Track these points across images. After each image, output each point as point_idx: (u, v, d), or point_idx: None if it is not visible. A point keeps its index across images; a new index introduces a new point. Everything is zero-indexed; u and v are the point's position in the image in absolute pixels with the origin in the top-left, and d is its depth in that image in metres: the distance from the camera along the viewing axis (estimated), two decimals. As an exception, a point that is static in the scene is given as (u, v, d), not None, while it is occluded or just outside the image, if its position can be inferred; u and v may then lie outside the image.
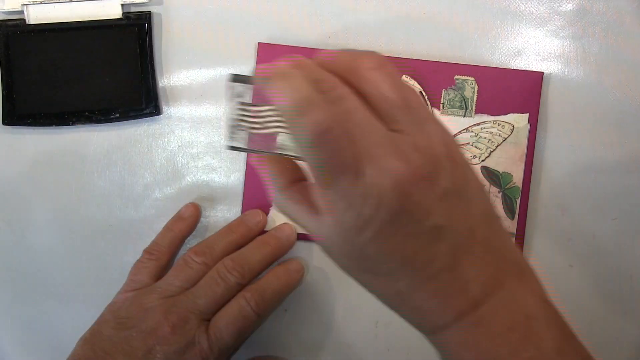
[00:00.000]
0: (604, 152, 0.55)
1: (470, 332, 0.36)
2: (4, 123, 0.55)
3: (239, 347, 0.51)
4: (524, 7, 0.54)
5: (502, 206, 0.54)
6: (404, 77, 0.53)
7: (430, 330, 0.37)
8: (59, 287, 0.57)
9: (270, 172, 0.40)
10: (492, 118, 0.53)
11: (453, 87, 0.54)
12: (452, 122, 0.54)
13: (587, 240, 0.55)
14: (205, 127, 0.56)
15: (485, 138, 0.53)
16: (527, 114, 0.53)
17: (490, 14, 0.54)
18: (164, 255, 0.53)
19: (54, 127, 0.55)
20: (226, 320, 0.49)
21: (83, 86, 0.54)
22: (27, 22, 0.54)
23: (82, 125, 0.55)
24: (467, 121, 0.54)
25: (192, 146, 0.56)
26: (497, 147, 0.53)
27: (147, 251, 0.54)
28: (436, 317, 0.36)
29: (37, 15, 0.54)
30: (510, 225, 0.54)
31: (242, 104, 0.41)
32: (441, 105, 0.54)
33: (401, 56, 0.54)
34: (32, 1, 0.54)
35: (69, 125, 0.55)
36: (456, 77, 0.54)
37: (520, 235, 0.54)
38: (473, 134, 0.54)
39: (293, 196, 0.39)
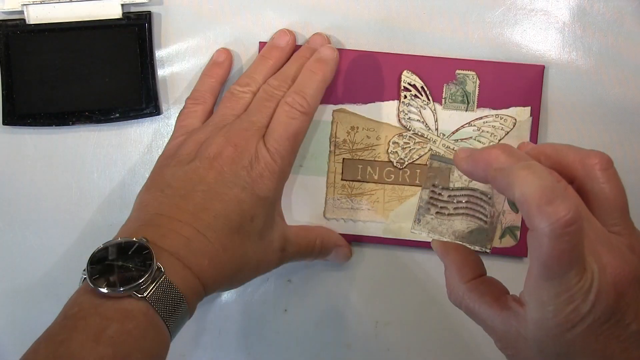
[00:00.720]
0: (604, 152, 0.55)
1: None
2: (4, 123, 0.55)
3: (297, 152, 0.51)
4: (524, 6, 0.54)
5: (506, 200, 0.54)
6: (405, 71, 0.54)
7: None
8: (59, 287, 0.57)
9: (455, 260, 0.41)
10: (494, 112, 0.53)
11: (454, 81, 0.54)
12: (455, 117, 0.54)
13: (587, 240, 0.55)
14: (205, 127, 0.56)
15: (487, 132, 0.53)
16: (530, 107, 0.53)
17: (491, 14, 0.54)
18: (208, 99, 0.53)
19: (53, 127, 0.55)
20: (278, 129, 0.49)
21: (83, 86, 0.54)
22: (27, 22, 0.54)
23: (82, 125, 0.55)
24: (469, 115, 0.54)
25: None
26: (499, 140, 0.53)
27: (190, 98, 0.53)
28: None
29: (37, 15, 0.54)
30: (515, 219, 0.54)
31: (435, 186, 0.43)
32: (443, 100, 0.54)
33: (402, 52, 0.54)
34: (32, 1, 0.54)
35: (68, 125, 0.55)
36: (457, 71, 0.54)
37: (526, 228, 0.54)
38: (475, 128, 0.54)
39: (478, 288, 0.40)
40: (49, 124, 0.55)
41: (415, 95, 0.54)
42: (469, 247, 0.42)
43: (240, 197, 0.47)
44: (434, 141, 0.54)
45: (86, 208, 0.56)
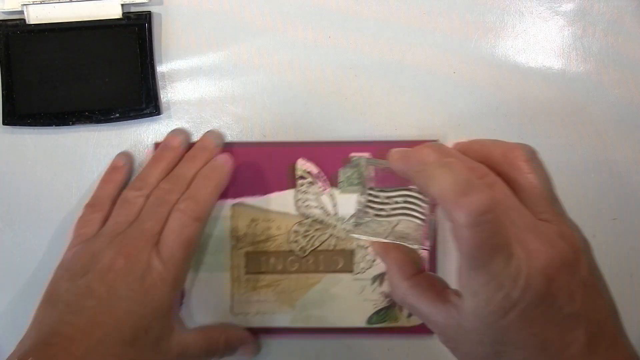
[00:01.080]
0: (604, 152, 0.55)
1: None
2: (4, 123, 0.55)
3: (191, 259, 0.51)
4: (524, 7, 0.54)
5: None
6: (299, 160, 0.54)
7: None
8: (59, 287, 0.57)
9: (396, 259, 0.42)
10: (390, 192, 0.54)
11: (349, 165, 0.54)
12: (353, 200, 0.54)
13: (587, 240, 0.55)
14: (205, 127, 0.56)
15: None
16: None
17: (490, 14, 0.54)
18: (106, 206, 0.53)
19: (53, 127, 0.55)
20: (171, 237, 0.49)
21: (83, 86, 0.54)
22: (27, 22, 0.54)
23: (82, 125, 0.55)
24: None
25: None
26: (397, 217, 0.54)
27: (88, 205, 0.53)
28: None
29: (37, 15, 0.54)
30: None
31: (371, 189, 0.44)
32: (340, 184, 0.54)
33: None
34: (32, 1, 0.54)
35: (68, 125, 0.55)
36: (352, 154, 0.54)
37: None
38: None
39: (419, 284, 0.41)
40: (49, 124, 0.55)
41: (312, 183, 0.54)
42: (409, 246, 0.43)
43: (133, 310, 0.47)
44: (334, 226, 0.54)
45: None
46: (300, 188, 0.54)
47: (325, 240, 0.55)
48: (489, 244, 0.35)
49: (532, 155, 0.40)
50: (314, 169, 0.54)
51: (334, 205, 0.54)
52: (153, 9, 0.55)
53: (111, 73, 0.54)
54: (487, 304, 0.36)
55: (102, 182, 0.54)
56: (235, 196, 0.55)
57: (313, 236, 0.55)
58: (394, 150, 0.41)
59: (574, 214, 0.55)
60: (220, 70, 0.55)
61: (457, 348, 0.40)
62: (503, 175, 0.39)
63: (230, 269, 0.55)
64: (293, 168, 0.54)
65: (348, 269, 0.55)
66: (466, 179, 0.35)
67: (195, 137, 0.56)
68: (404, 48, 0.55)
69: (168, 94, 0.56)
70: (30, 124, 0.55)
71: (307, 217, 0.55)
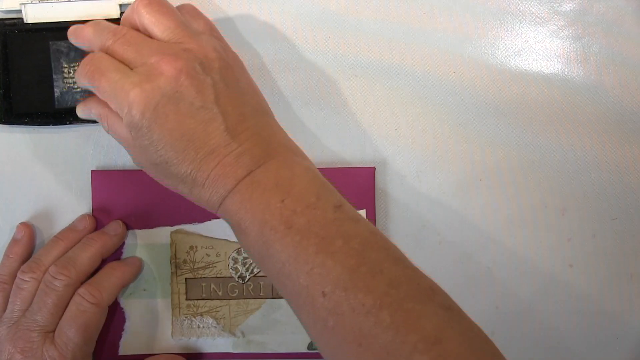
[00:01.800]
0: (604, 152, 0.55)
1: (246, 192, 0.43)
2: (2, 122, 0.54)
3: (94, 342, 0.52)
4: (524, 7, 0.54)
5: None
6: None
7: (217, 203, 0.44)
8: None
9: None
10: None
11: None
12: None
13: (587, 240, 0.55)
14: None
15: None
16: (364, 210, 0.54)
17: (490, 14, 0.54)
18: (7, 285, 0.53)
19: (51, 126, 0.55)
20: (67, 322, 0.50)
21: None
22: (25, 21, 0.54)
23: (79, 125, 0.55)
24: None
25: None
26: None
27: None
28: (220, 188, 0.43)
29: (35, 14, 0.54)
30: None
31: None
32: None
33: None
34: (30, 0, 0.53)
35: (66, 124, 0.54)
36: None
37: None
38: None
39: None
40: (46, 123, 0.54)
41: None
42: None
43: None
44: None
45: (86, 208, 0.56)
46: None
47: None
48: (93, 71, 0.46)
49: (148, 1, 0.46)
50: None
51: None
52: (152, 8, 0.55)
53: (110, 72, 0.54)
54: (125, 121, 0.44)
55: (4, 257, 0.55)
56: (174, 223, 0.55)
57: (252, 263, 0.55)
58: (73, 26, 0.50)
59: (574, 214, 0.55)
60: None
61: (134, 158, 0.47)
62: (136, 25, 0.47)
63: (171, 295, 0.55)
64: None
65: None
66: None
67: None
68: (404, 48, 0.55)
69: (167, 93, 0.55)
70: (27, 123, 0.54)
71: None
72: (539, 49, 0.54)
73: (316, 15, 0.55)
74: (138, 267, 0.55)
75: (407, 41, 0.54)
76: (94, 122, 0.54)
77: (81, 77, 0.46)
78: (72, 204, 0.56)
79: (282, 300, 0.55)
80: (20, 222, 0.56)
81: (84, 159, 0.56)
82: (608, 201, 0.55)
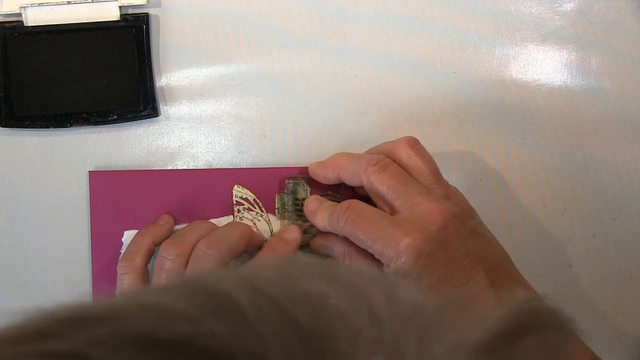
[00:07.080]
0: (604, 152, 0.55)
1: None
2: (2, 125, 0.55)
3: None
4: (524, 7, 0.54)
5: None
6: (235, 186, 0.54)
7: None
8: (59, 287, 0.57)
9: (338, 237, 0.50)
10: None
11: (286, 191, 0.54)
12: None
13: (587, 240, 0.55)
14: (204, 127, 0.56)
15: None
16: None
17: (490, 14, 0.54)
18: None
19: (51, 128, 0.55)
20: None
21: (80, 88, 0.54)
22: (25, 24, 0.54)
23: (80, 127, 0.55)
24: (303, 223, 0.54)
25: (192, 146, 0.56)
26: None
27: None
28: None
29: (34, 17, 0.54)
30: None
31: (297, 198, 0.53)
32: (276, 210, 0.54)
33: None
34: (30, 3, 0.53)
35: (66, 127, 0.55)
36: (287, 180, 0.54)
37: None
38: (311, 235, 0.54)
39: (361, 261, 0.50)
40: (47, 126, 0.55)
41: (249, 209, 0.54)
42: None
43: None
44: None
45: (86, 208, 0.56)
46: (237, 214, 0.54)
47: None
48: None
49: (415, 143, 0.49)
50: (250, 194, 0.54)
51: (271, 231, 0.54)
52: (151, 10, 0.55)
53: (109, 75, 0.54)
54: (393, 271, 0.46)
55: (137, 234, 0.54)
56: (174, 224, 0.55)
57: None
58: (312, 163, 0.52)
59: (574, 214, 0.55)
60: (219, 71, 0.55)
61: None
62: (397, 161, 0.49)
63: None
64: (231, 194, 0.54)
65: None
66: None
67: (195, 138, 0.56)
68: (404, 48, 0.54)
69: (166, 95, 0.56)
70: (28, 126, 0.55)
71: None
72: (539, 49, 0.54)
73: (316, 15, 0.55)
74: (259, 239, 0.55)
75: (407, 41, 0.54)
76: (94, 124, 0.55)
77: (339, 222, 0.48)
78: (72, 205, 0.56)
79: None
80: (21, 221, 0.56)
81: (83, 160, 0.56)
82: (608, 201, 0.55)
